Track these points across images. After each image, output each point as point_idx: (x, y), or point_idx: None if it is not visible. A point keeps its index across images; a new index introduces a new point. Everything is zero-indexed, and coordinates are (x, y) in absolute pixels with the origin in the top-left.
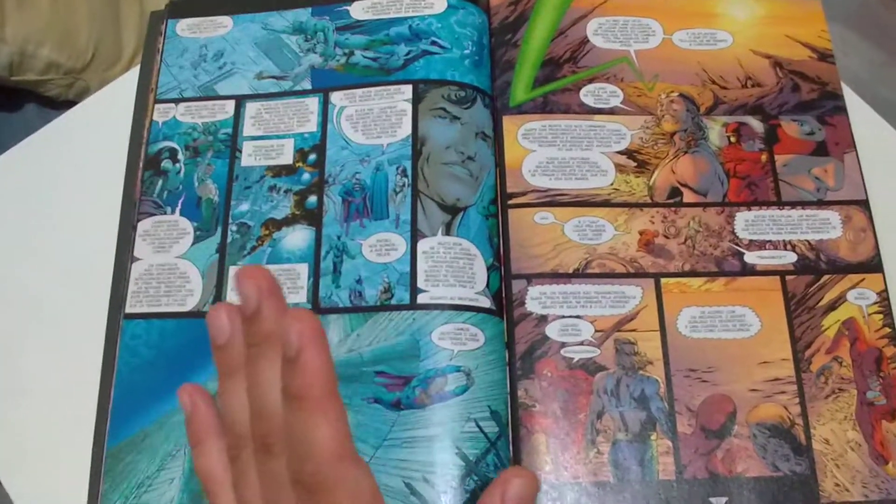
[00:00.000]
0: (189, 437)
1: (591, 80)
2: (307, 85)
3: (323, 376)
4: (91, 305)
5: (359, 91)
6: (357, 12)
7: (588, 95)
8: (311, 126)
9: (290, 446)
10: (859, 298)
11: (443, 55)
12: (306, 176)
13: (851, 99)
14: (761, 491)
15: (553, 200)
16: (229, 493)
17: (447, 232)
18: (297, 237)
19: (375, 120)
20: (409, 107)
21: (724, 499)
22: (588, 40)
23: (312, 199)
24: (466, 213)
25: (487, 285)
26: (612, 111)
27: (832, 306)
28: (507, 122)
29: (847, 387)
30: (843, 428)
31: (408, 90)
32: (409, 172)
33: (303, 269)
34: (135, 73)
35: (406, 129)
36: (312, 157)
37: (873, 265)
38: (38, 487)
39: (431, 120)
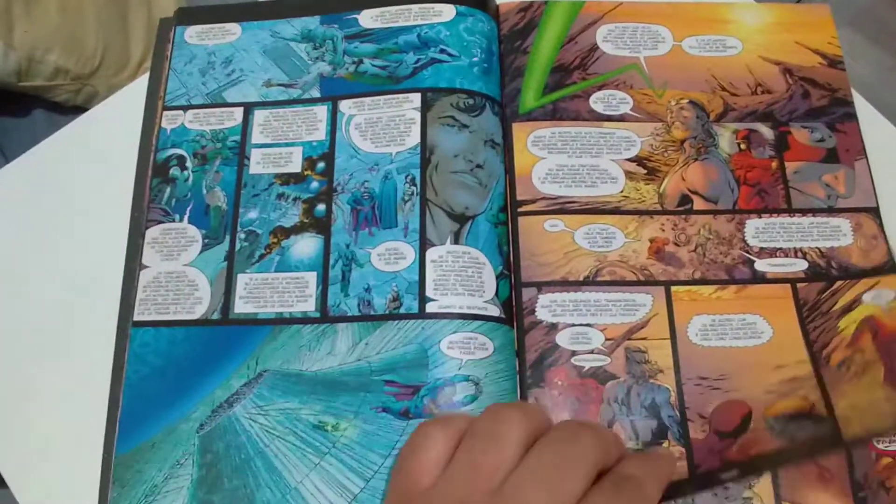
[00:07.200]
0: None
1: (600, 87)
2: (316, 93)
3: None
4: (101, 313)
5: (367, 100)
6: (366, 21)
7: (598, 102)
8: (320, 134)
9: None
10: (877, 298)
11: (451, 63)
12: (315, 184)
13: (862, 105)
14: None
15: (563, 208)
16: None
17: (456, 241)
18: (306, 245)
19: (384, 128)
20: (417, 115)
21: (735, 471)
22: (598, 47)
23: (321, 207)
24: (475, 222)
25: (496, 294)
26: (621, 118)
27: (848, 308)
28: (517, 129)
29: (873, 365)
30: (871, 392)
31: (416, 98)
32: (418, 181)
33: (311, 278)
34: (144, 80)
35: (415, 138)
36: (321, 165)
37: (887, 269)
38: (48, 495)
39: (440, 128)
